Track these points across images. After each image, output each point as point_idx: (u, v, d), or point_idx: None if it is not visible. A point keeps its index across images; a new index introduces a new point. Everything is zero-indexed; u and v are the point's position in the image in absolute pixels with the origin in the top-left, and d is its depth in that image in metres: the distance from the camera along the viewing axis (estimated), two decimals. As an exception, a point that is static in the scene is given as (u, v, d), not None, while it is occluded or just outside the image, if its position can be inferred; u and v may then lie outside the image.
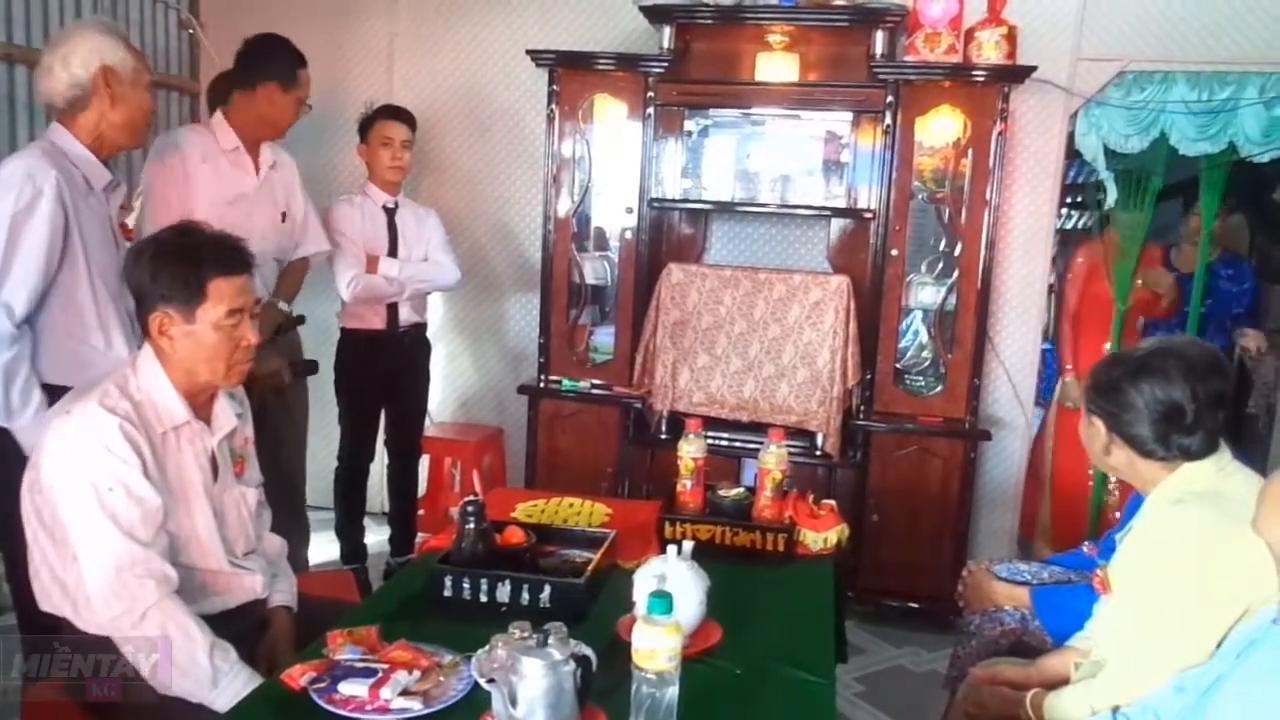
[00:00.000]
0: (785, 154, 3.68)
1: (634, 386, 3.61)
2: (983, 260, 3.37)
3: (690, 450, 2.31)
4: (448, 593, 1.84)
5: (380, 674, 1.51)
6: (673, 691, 1.38)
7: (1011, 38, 3.30)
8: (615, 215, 3.71)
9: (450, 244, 3.58)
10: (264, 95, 2.84)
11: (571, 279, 3.73)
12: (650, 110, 3.51)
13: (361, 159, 3.48)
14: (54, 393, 2.13)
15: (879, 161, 3.39)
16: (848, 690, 3.01)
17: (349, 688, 1.48)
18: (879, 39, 3.36)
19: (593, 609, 1.82)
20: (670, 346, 3.54)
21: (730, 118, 3.70)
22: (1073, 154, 3.71)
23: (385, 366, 3.46)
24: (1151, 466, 1.80)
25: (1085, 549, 2.22)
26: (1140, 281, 3.72)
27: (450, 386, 4.29)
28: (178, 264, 1.75)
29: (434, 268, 3.48)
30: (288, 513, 2.74)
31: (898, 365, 3.57)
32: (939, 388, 3.53)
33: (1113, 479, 3.31)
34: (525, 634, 1.40)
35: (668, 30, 3.49)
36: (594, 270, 3.80)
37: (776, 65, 3.54)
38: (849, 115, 3.54)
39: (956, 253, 3.46)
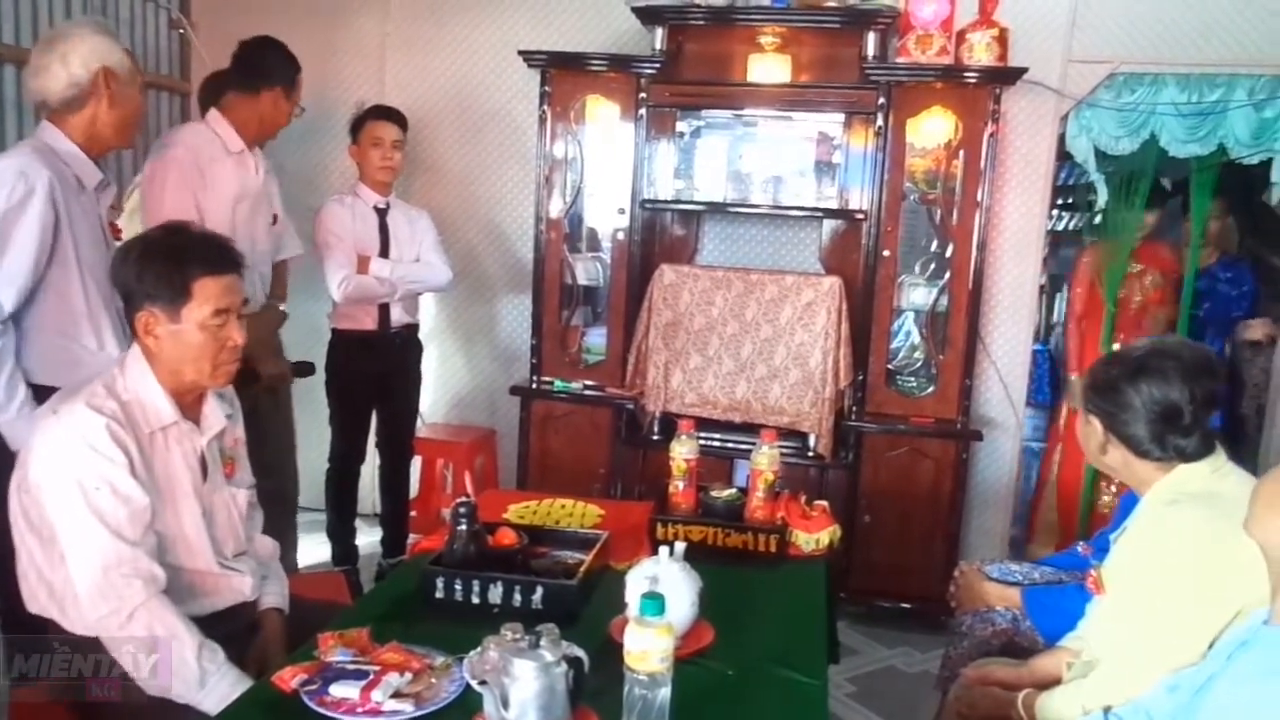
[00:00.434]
0: (777, 155, 3.68)
1: (626, 387, 3.61)
2: (974, 261, 3.38)
3: (682, 451, 2.31)
4: (439, 594, 1.84)
5: (371, 676, 1.50)
6: (665, 693, 1.38)
7: (1003, 39, 3.31)
8: (607, 216, 3.71)
9: (442, 245, 3.58)
10: (268, 99, 2.85)
11: (564, 280, 3.73)
12: (642, 111, 3.51)
13: (353, 160, 3.47)
14: (45, 393, 2.12)
15: (871, 163, 3.40)
16: (840, 691, 3.01)
17: (340, 690, 1.47)
18: (871, 40, 3.36)
19: (585, 610, 1.82)
20: (662, 347, 3.54)
21: (722, 119, 3.70)
22: (1064, 155, 3.73)
23: (377, 367, 3.45)
24: (1147, 467, 1.81)
25: (1080, 549, 2.22)
26: (1149, 281, 3.73)
27: (442, 387, 4.28)
28: (163, 263, 1.74)
29: (425, 268, 3.47)
30: (278, 514, 2.73)
31: (890, 366, 3.57)
32: (931, 389, 3.53)
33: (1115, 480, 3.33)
34: (517, 635, 1.40)
35: (660, 31, 3.49)
36: (586, 271, 3.79)
37: (768, 66, 3.55)
38: (841, 116, 3.55)
39: (948, 254, 3.47)
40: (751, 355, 3.48)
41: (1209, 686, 1.39)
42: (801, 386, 3.42)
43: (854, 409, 3.48)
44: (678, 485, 2.32)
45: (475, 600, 1.82)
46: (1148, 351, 1.82)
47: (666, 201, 3.70)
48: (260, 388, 3.09)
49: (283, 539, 2.40)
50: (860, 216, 3.45)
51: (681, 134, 3.71)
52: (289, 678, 1.52)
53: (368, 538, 3.80)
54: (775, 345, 3.45)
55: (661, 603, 1.39)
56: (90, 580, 1.63)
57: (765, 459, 2.29)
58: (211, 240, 1.82)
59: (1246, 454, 3.66)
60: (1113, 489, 3.63)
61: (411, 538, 3.69)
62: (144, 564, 1.66)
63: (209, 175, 2.72)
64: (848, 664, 3.16)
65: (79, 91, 2.21)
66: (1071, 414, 3.81)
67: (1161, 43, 3.47)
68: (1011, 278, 3.72)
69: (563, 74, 3.57)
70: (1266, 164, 3.43)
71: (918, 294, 3.56)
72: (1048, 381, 6.03)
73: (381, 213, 3.43)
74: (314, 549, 3.79)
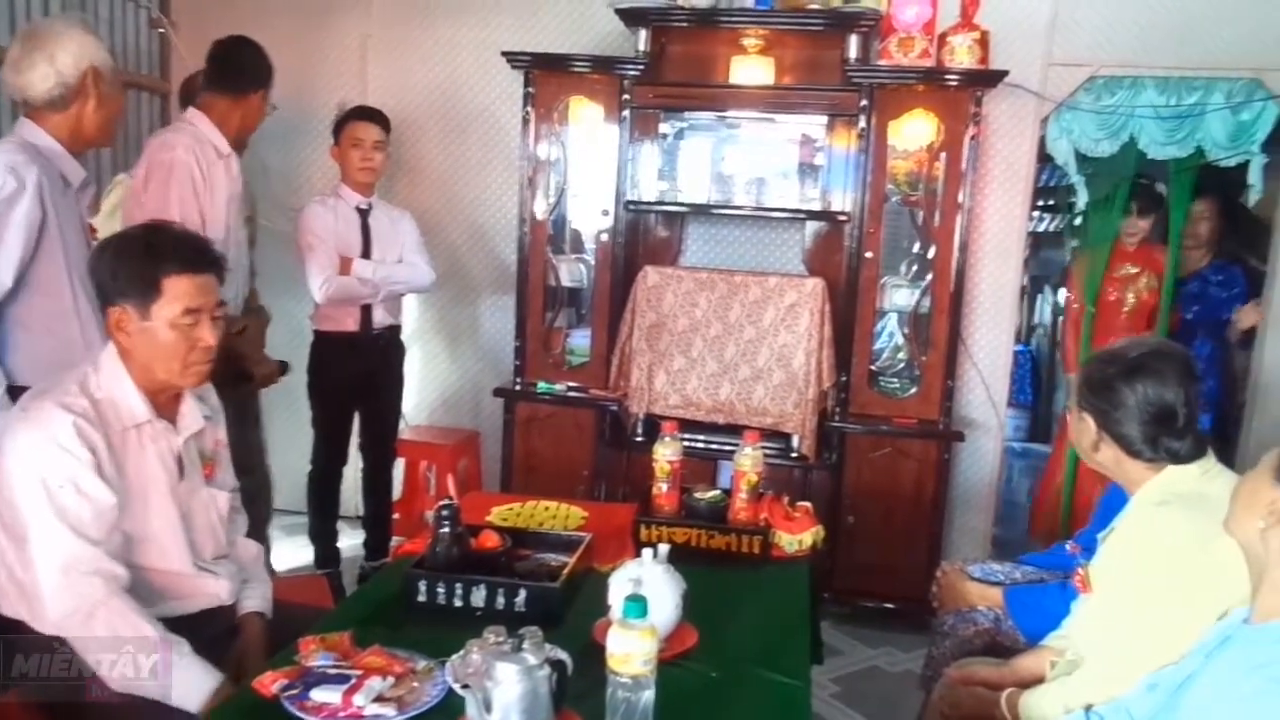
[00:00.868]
0: (760, 157, 3.69)
1: (610, 389, 3.61)
2: (956, 263, 3.39)
3: (666, 453, 2.31)
4: (422, 598, 1.84)
5: (353, 680, 1.49)
6: (648, 695, 1.38)
7: (984, 42, 3.33)
8: (591, 217, 3.71)
9: (425, 246, 3.56)
10: (255, 102, 2.84)
11: (547, 281, 3.72)
12: (626, 113, 3.51)
13: (335, 161, 3.46)
14: None
15: (853, 165, 3.41)
16: (823, 691, 3.02)
17: (321, 694, 1.47)
18: (853, 43, 3.38)
19: (568, 613, 1.82)
20: (646, 349, 3.54)
21: (706, 120, 3.71)
22: (1044, 158, 3.75)
23: (359, 369, 3.44)
24: (1138, 467, 1.82)
25: (1068, 547, 2.22)
26: (1144, 283, 3.75)
27: (426, 389, 4.27)
28: (135, 259, 1.73)
29: (408, 269, 3.46)
30: (252, 516, 2.71)
31: (873, 367, 3.59)
32: (913, 389, 3.55)
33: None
34: (500, 639, 1.40)
35: (643, 33, 3.49)
36: (570, 272, 3.79)
37: (751, 68, 3.56)
38: (823, 118, 3.56)
39: (930, 255, 3.48)
40: (735, 356, 3.49)
41: (1189, 684, 1.40)
42: (785, 388, 3.43)
43: (837, 410, 3.49)
44: (661, 487, 2.32)
45: (458, 603, 1.82)
46: (1145, 352, 1.82)
47: (650, 203, 3.70)
48: (254, 387, 3.10)
49: (257, 541, 2.38)
50: (843, 218, 3.46)
51: (665, 136, 3.72)
52: (269, 683, 1.51)
53: (350, 540, 3.79)
54: (759, 346, 3.46)
55: (644, 605, 1.39)
56: (52, 580, 1.62)
57: (749, 460, 2.29)
58: (189, 239, 1.81)
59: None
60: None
61: (394, 540, 3.67)
62: (105, 563, 1.65)
63: (210, 178, 2.70)
64: (831, 664, 3.16)
65: (66, 91, 2.20)
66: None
67: (1140, 46, 3.50)
68: (993, 279, 3.74)
69: (546, 75, 3.57)
70: (1244, 166, 3.47)
71: (900, 295, 3.58)
72: (1029, 382, 6.08)
73: (364, 213, 3.41)
74: (296, 552, 3.77)
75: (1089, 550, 1.96)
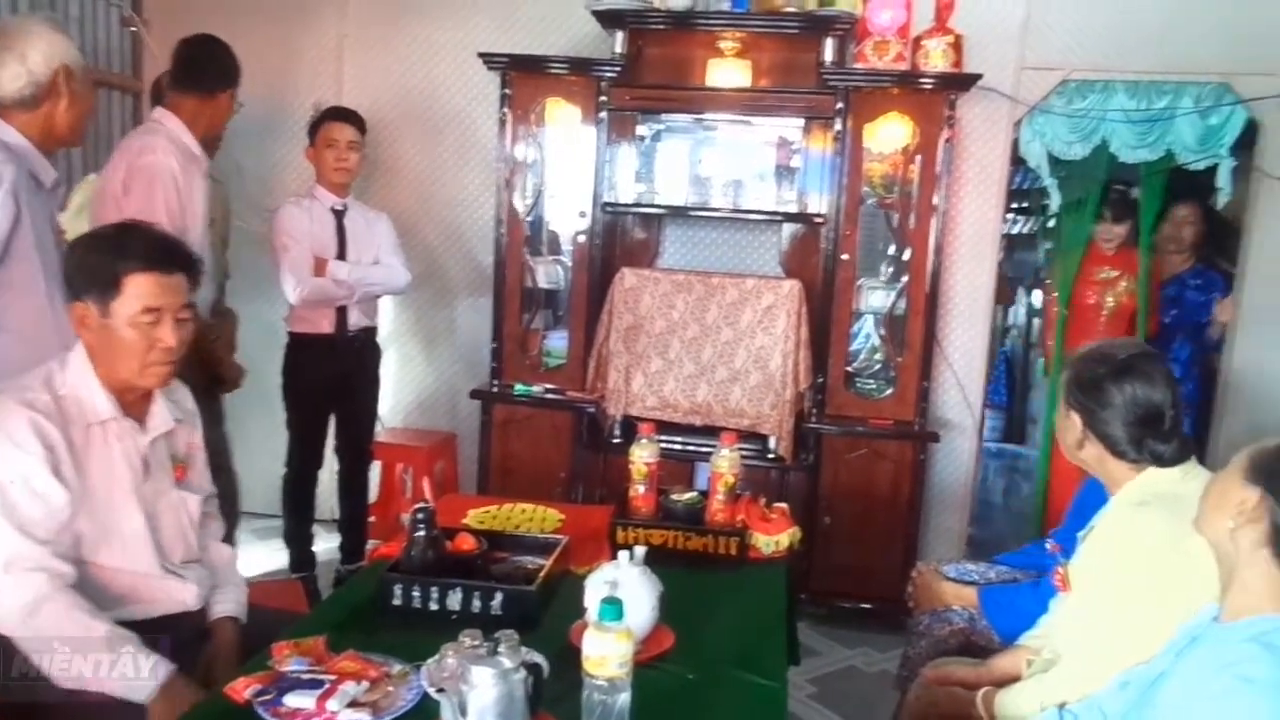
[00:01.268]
0: (737, 159, 3.71)
1: (587, 391, 3.60)
2: (931, 264, 3.42)
3: (642, 455, 2.31)
4: (397, 601, 1.82)
5: (327, 685, 1.48)
6: (624, 698, 1.38)
7: (958, 46, 3.36)
8: (568, 219, 3.70)
9: (401, 247, 3.54)
10: (223, 102, 2.81)
11: (524, 283, 3.72)
12: (603, 114, 3.51)
13: (310, 162, 3.43)
14: None
15: (829, 167, 3.43)
16: (800, 692, 3.03)
17: (295, 700, 1.45)
18: (829, 46, 3.39)
19: (545, 616, 1.81)
20: (623, 351, 3.54)
21: (683, 123, 3.72)
22: (1018, 160, 3.78)
23: (334, 371, 3.41)
24: (1121, 466, 1.83)
25: (1048, 546, 2.24)
26: (1123, 286, 3.78)
27: (402, 391, 4.24)
28: (100, 254, 1.72)
29: (384, 271, 3.44)
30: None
31: (849, 369, 3.60)
32: (889, 391, 3.57)
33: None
34: (476, 642, 1.39)
35: (620, 35, 3.49)
36: (547, 274, 3.78)
37: (728, 71, 3.57)
38: (800, 121, 3.57)
39: (905, 257, 3.51)
40: (712, 358, 3.49)
41: (1160, 682, 1.41)
42: (762, 389, 3.44)
43: (814, 411, 3.50)
44: (638, 489, 2.32)
45: (434, 607, 1.81)
46: (1134, 354, 1.83)
47: (627, 205, 3.70)
48: (225, 389, 3.07)
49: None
50: (819, 220, 3.47)
51: (642, 137, 3.72)
52: (242, 688, 1.49)
53: (326, 544, 3.76)
54: (736, 348, 3.47)
55: (620, 607, 1.39)
56: None
57: (725, 462, 2.29)
58: (161, 239, 1.79)
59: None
60: None
61: (371, 544, 3.64)
62: (49, 561, 1.62)
63: (188, 181, 2.66)
64: (808, 665, 3.18)
65: (37, 90, 2.16)
66: None
67: (1111, 50, 3.54)
68: (967, 280, 3.76)
69: (523, 76, 3.56)
70: (1211, 171, 3.51)
71: (876, 297, 3.60)
72: (1004, 383, 6.12)
73: (339, 214, 3.39)
74: (270, 556, 3.74)
75: (1069, 549, 1.98)
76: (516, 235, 3.67)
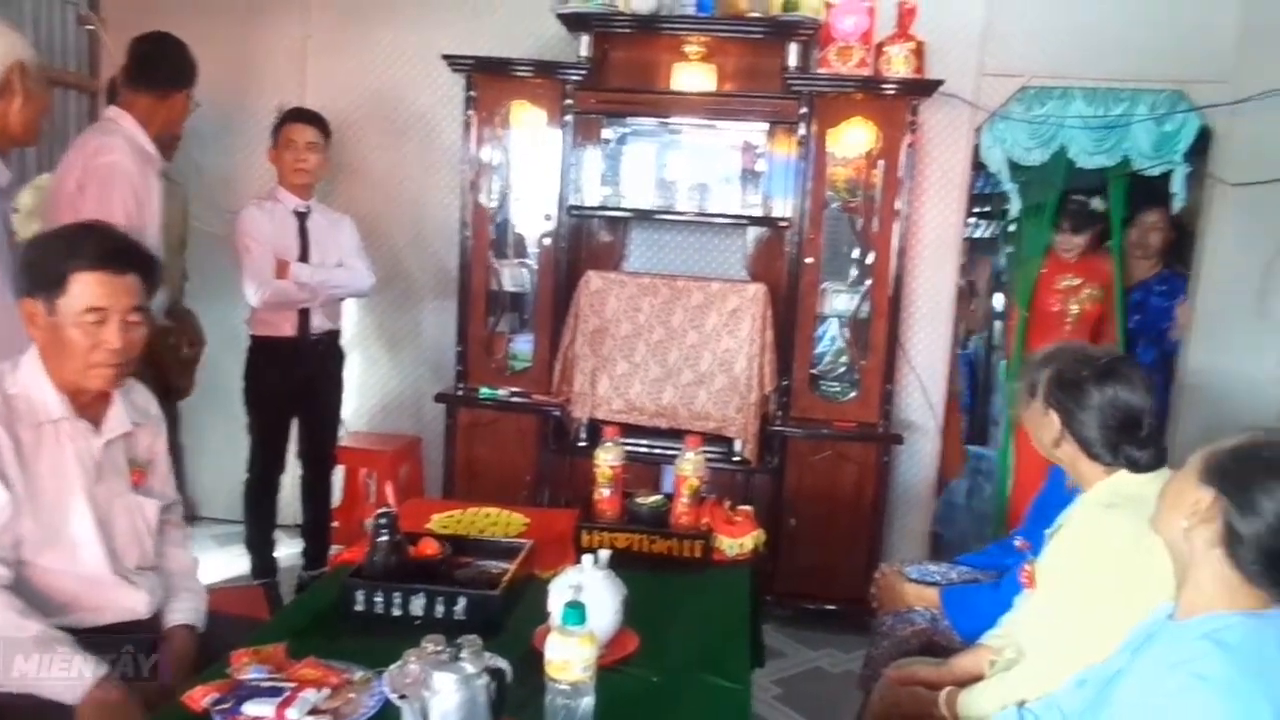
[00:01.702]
0: (702, 163, 3.72)
1: (553, 394, 3.59)
2: (894, 268, 3.45)
3: (608, 459, 2.31)
4: (359, 607, 1.81)
5: (287, 693, 1.46)
6: (588, 702, 1.38)
7: (919, 52, 3.39)
8: (534, 222, 3.69)
9: (364, 249, 3.52)
10: (178, 101, 2.77)
11: (490, 286, 3.70)
12: (568, 117, 3.50)
13: (272, 163, 3.39)
14: None
15: (794, 171, 3.45)
16: (765, 694, 3.04)
17: (254, 708, 1.44)
18: (793, 51, 3.42)
19: (509, 620, 1.80)
20: (589, 354, 3.54)
21: (648, 126, 3.72)
22: (979, 165, 3.83)
23: (297, 375, 3.37)
24: (1095, 468, 1.86)
25: (1016, 543, 2.25)
26: (1086, 294, 3.82)
27: (366, 395, 4.21)
28: (49, 252, 1.70)
29: (347, 273, 3.41)
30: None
31: (814, 371, 3.63)
32: (853, 393, 3.60)
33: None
34: (438, 648, 1.38)
35: (585, 38, 3.49)
36: (512, 277, 3.77)
37: (693, 75, 3.58)
38: (764, 125, 3.60)
39: (869, 261, 3.54)
40: (678, 361, 3.50)
41: (1117, 680, 1.43)
42: (727, 392, 3.45)
43: (779, 414, 3.52)
44: (603, 492, 2.32)
45: (396, 612, 1.80)
46: (1116, 358, 1.87)
47: (593, 208, 3.70)
48: (176, 397, 3.02)
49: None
50: (784, 224, 3.50)
51: (608, 141, 3.72)
52: (200, 697, 1.47)
53: (289, 549, 3.71)
54: (701, 351, 3.48)
55: (582, 611, 1.39)
56: None
57: (690, 465, 2.30)
58: (115, 238, 1.76)
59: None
60: None
61: (334, 549, 3.61)
62: None
63: (147, 181, 2.62)
64: (773, 666, 3.19)
65: None
66: None
67: (1069, 58, 3.59)
68: (930, 284, 3.80)
69: (488, 79, 3.55)
70: (1167, 176, 3.57)
71: (840, 300, 3.63)
72: (967, 385, 6.18)
73: (301, 216, 3.36)
74: (231, 562, 3.69)
75: (1038, 547, 2.00)
76: (482, 238, 3.66)
